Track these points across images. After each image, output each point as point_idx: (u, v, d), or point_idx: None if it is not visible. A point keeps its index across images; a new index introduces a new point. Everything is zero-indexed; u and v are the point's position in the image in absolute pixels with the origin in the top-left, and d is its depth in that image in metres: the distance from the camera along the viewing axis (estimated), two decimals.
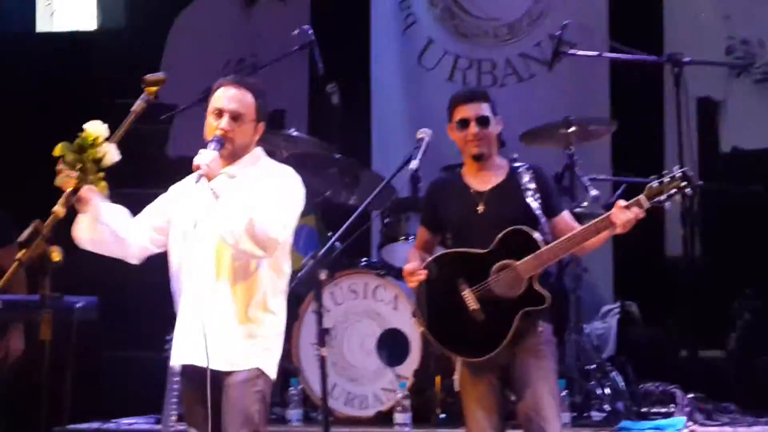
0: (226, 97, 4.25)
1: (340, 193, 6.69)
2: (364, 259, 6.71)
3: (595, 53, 6.95)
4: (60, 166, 3.81)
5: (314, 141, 6.79)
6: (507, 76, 8.10)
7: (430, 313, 4.81)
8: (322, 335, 4.91)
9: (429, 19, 8.21)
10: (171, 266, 4.30)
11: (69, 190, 3.78)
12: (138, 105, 3.98)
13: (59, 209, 3.74)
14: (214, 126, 4.22)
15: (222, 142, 4.17)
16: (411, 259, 4.94)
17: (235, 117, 4.22)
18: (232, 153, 4.23)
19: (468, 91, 5.28)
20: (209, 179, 4.08)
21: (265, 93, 4.34)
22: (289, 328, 6.23)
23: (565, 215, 4.91)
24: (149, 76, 4.01)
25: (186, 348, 4.21)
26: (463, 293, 4.73)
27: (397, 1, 8.22)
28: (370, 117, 8.17)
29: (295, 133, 6.66)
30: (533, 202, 4.78)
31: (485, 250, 4.70)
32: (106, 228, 4.18)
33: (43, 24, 8.45)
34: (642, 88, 7.60)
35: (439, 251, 4.98)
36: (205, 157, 4.08)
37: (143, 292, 7.01)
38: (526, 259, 4.65)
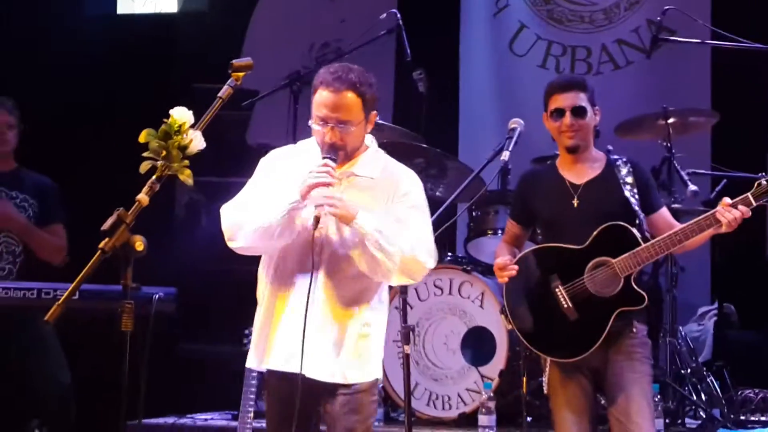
0: (328, 105, 4.12)
1: (426, 185, 6.66)
2: (450, 253, 6.72)
3: (696, 40, 6.88)
4: (145, 153, 3.84)
5: (399, 130, 6.78)
6: (602, 64, 8.06)
7: (519, 310, 4.84)
8: (407, 332, 4.93)
9: (521, 3, 8.20)
10: (275, 264, 4.23)
11: (153, 178, 3.80)
12: (224, 91, 3.93)
13: (143, 197, 3.72)
14: (321, 134, 4.15)
15: (334, 159, 4.11)
16: (500, 253, 4.96)
17: (341, 124, 4.12)
18: (344, 159, 4.18)
19: (564, 79, 5.26)
20: (347, 221, 4.07)
21: (369, 81, 4.20)
22: None
23: (664, 212, 4.90)
24: (237, 61, 3.95)
25: (291, 354, 4.08)
26: (555, 290, 4.75)
27: None
28: (458, 105, 8.18)
29: (379, 121, 6.63)
30: (631, 198, 4.78)
31: (581, 246, 4.71)
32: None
33: (125, 6, 8.56)
34: (746, 77, 7.49)
35: (529, 246, 5.00)
36: (334, 201, 4.04)
37: (221, 285, 7.13)
38: (624, 256, 4.65)
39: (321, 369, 4.10)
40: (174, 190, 7.85)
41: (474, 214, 6.61)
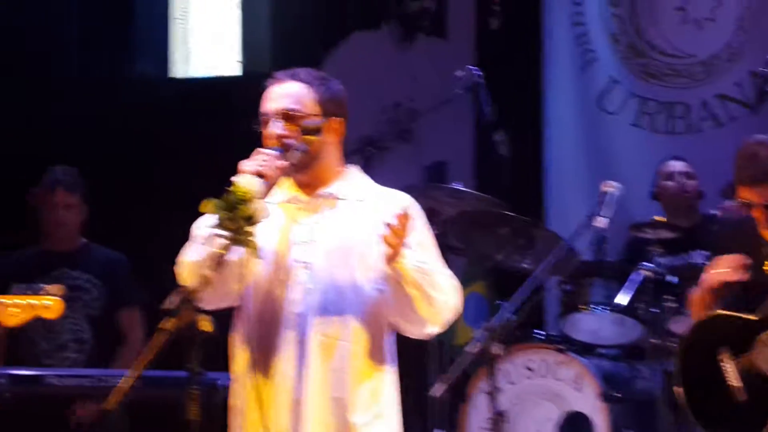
0: (268, 98, 3.81)
1: (513, 256, 6.65)
2: (542, 332, 6.67)
3: None
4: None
5: (481, 197, 6.69)
6: (703, 121, 7.99)
7: (688, 383, 4.72)
8: (497, 419, 4.90)
9: (611, 56, 8.15)
10: (247, 320, 3.87)
11: (218, 251, 3.78)
12: (292, 155, 3.96)
13: (209, 273, 3.67)
14: (265, 138, 3.80)
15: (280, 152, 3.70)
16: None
17: (287, 116, 3.78)
18: (302, 163, 3.78)
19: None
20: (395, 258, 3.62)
21: (325, 81, 3.87)
22: (456, 410, 6.26)
23: None
24: (307, 123, 3.86)
25: None
26: (722, 364, 4.63)
27: (574, 36, 8.19)
28: (543, 169, 8.14)
29: (459, 188, 6.62)
30: None
31: (756, 317, 4.61)
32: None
33: (179, 68, 8.63)
34: None
35: None
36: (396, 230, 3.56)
37: None
38: None
39: None
40: None
41: (566, 287, 6.55)
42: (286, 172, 3.73)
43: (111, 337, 6.22)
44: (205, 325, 3.69)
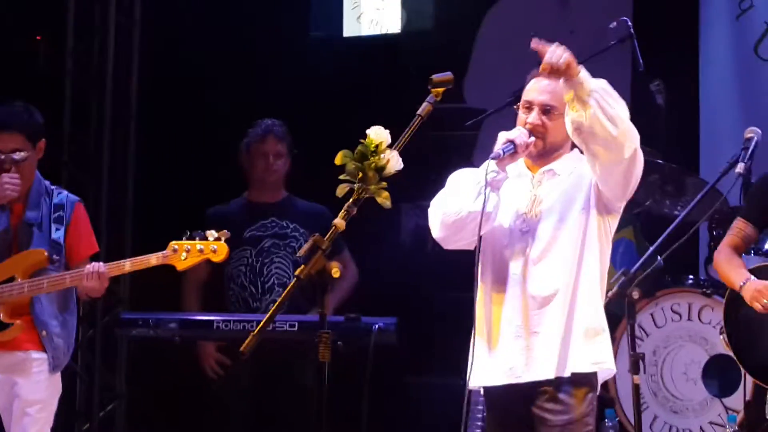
0: (537, 88, 4.28)
1: (664, 202, 6.51)
2: (691, 276, 6.52)
3: None
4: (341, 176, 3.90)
5: None
6: None
7: (741, 335, 4.89)
8: (636, 361, 4.84)
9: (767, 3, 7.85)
10: (482, 266, 4.23)
11: (350, 201, 3.86)
12: (423, 108, 4.04)
13: (339, 222, 3.84)
14: (523, 120, 4.27)
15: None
16: (725, 263, 4.99)
17: (546, 110, 4.22)
18: (542, 151, 4.25)
19: None
20: (573, 75, 3.99)
21: None
22: None
23: None
24: (436, 76, 4.08)
25: (503, 366, 4.17)
26: None
27: None
28: (698, 117, 7.91)
29: None
30: None
31: None
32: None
33: (351, 28, 8.64)
34: None
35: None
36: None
37: (441, 312, 7.10)
38: None
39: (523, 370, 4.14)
40: (400, 216, 7.88)
41: (714, 233, 6.38)
42: (529, 153, 4.22)
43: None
44: (335, 271, 3.78)
